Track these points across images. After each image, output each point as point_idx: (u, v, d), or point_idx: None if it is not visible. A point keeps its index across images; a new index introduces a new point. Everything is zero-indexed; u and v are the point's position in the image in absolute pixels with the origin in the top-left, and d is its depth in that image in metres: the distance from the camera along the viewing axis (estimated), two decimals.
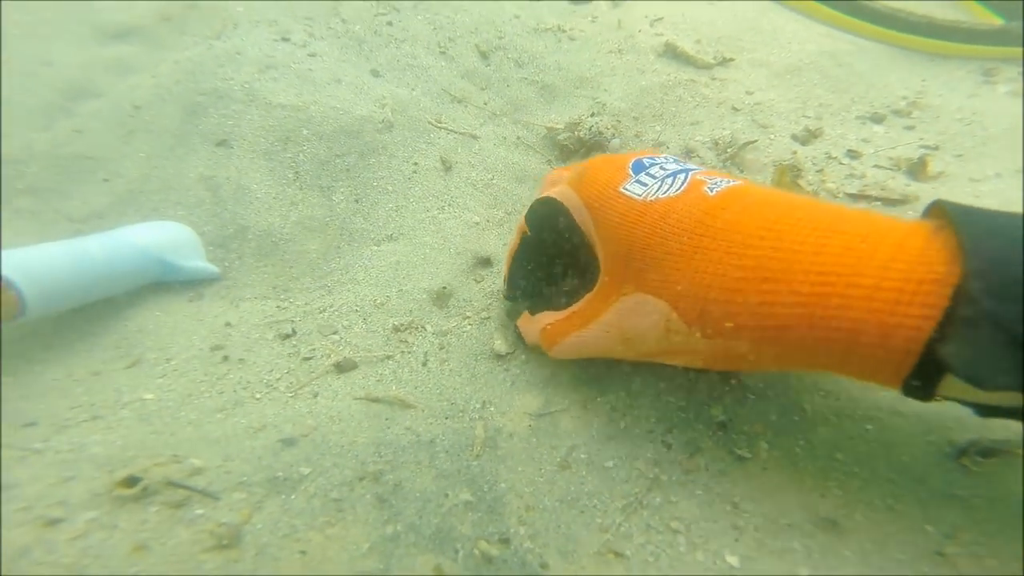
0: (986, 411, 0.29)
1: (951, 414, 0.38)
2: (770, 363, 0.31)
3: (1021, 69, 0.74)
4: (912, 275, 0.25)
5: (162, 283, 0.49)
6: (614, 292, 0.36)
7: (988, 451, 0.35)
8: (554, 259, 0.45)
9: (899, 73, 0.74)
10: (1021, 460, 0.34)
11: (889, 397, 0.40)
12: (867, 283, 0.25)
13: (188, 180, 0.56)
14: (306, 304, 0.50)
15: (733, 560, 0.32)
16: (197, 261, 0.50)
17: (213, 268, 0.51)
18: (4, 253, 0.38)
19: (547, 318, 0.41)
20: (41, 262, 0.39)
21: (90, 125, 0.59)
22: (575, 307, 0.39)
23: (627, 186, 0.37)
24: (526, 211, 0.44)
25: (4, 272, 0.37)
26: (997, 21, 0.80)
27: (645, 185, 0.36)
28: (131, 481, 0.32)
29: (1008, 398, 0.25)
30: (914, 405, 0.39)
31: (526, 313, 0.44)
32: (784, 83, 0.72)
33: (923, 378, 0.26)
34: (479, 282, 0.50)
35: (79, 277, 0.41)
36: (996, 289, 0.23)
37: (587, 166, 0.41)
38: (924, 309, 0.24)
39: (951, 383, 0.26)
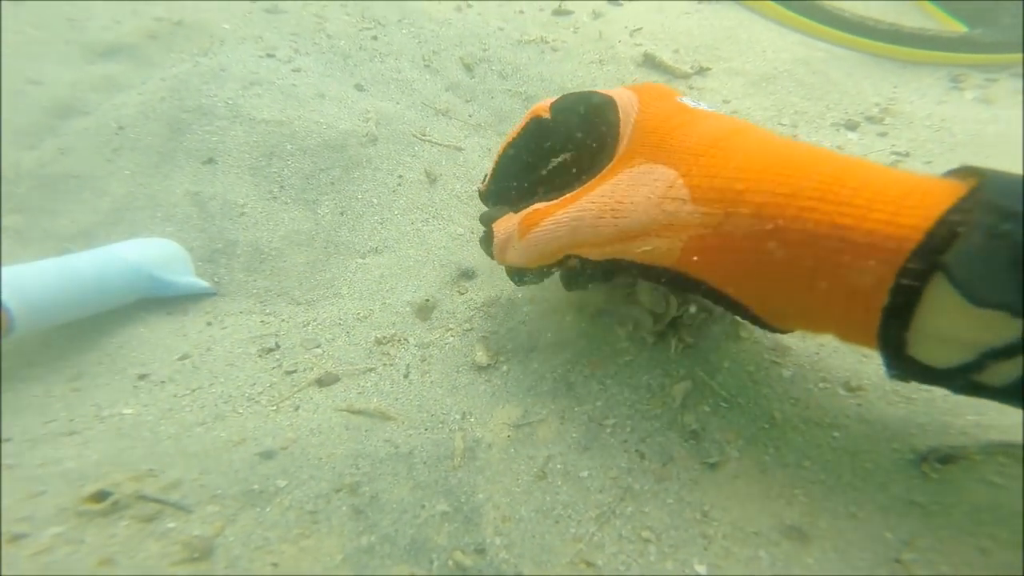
0: (959, 385, 0.28)
1: (915, 421, 0.39)
2: (752, 269, 0.30)
3: (988, 76, 0.76)
4: (913, 191, 0.26)
5: (150, 299, 0.49)
6: (621, 166, 0.36)
7: (947, 457, 0.35)
8: (561, 154, 0.41)
9: (871, 80, 0.76)
10: (976, 466, 0.35)
11: (856, 405, 0.40)
12: (878, 192, 0.27)
13: (175, 196, 0.57)
14: (290, 318, 0.50)
15: (701, 569, 0.32)
16: (187, 277, 0.50)
17: (204, 283, 0.51)
18: None
19: (537, 207, 0.39)
20: (30, 279, 0.40)
21: (77, 144, 0.60)
22: (571, 194, 0.38)
23: (681, 98, 0.39)
24: (554, 99, 0.42)
25: None
26: (961, 29, 0.82)
27: (696, 102, 0.38)
28: (100, 496, 0.32)
29: (981, 337, 0.25)
30: (880, 412, 0.40)
31: (509, 213, 0.41)
32: (760, 91, 0.74)
33: (903, 304, 0.26)
34: (462, 294, 0.51)
35: (68, 294, 0.42)
36: (1004, 208, 0.24)
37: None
38: (917, 219, 0.25)
39: (928, 324, 0.26)
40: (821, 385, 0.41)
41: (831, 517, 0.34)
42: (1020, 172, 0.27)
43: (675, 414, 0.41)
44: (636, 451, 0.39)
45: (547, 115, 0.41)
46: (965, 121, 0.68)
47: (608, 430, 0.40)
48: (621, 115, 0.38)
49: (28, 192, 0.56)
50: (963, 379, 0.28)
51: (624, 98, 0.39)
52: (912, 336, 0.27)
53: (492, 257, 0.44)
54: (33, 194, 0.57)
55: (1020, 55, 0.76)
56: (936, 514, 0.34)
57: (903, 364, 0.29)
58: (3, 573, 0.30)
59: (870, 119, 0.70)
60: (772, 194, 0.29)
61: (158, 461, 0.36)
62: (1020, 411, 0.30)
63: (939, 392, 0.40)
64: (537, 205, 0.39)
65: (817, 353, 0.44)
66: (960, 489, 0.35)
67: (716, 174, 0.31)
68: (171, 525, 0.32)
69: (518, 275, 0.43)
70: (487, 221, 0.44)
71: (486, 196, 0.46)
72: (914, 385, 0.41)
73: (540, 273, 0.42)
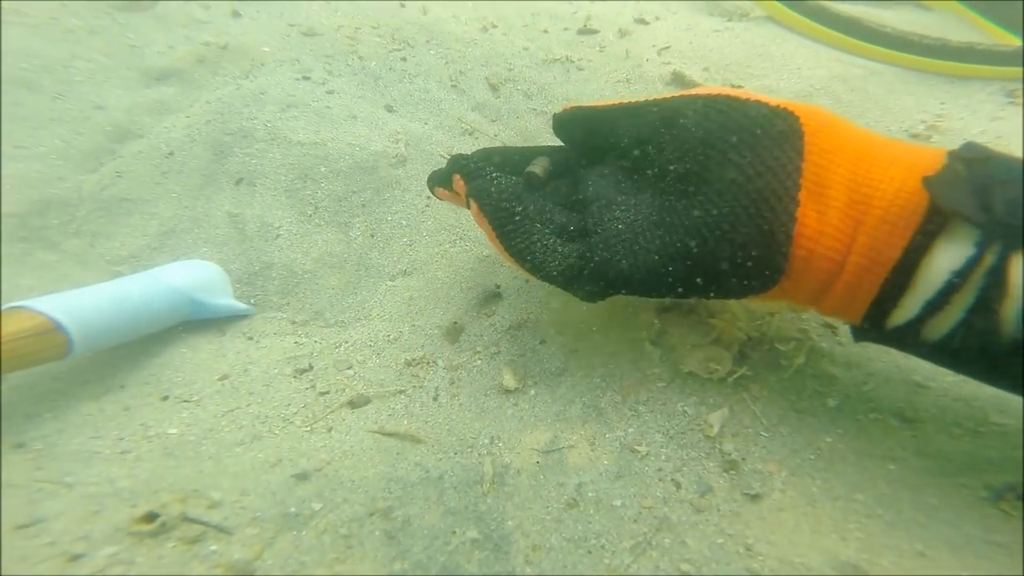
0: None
1: (983, 455, 0.36)
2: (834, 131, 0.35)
3: None
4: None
5: (192, 320, 0.51)
6: None
7: None
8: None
9: (915, 96, 0.73)
10: None
11: (912, 437, 0.38)
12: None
13: (216, 218, 0.59)
14: (323, 339, 0.52)
15: None
16: (227, 299, 0.52)
17: (242, 305, 0.53)
18: (54, 296, 0.42)
19: None
20: (87, 305, 0.43)
21: (131, 167, 0.63)
22: None
23: None
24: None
25: (55, 315, 0.40)
26: (1016, 42, 0.78)
27: None
28: (150, 517, 0.33)
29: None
30: (940, 445, 0.37)
31: None
32: None
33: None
34: (489, 317, 0.51)
35: (119, 318, 0.44)
36: (971, 159, 0.31)
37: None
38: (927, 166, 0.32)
39: None
40: (872, 416, 0.39)
41: (895, 555, 0.32)
42: None
43: (713, 443, 0.39)
44: (672, 480, 0.38)
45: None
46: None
47: (641, 458, 0.39)
48: None
49: (87, 215, 0.60)
50: (912, 331, 0.32)
51: None
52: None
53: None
54: (91, 217, 0.60)
55: None
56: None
57: (874, 328, 0.34)
58: (3, 573, 0.31)
59: (915, 136, 0.67)
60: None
61: (201, 481, 0.38)
62: None
63: (1012, 426, 0.37)
64: None
65: (865, 383, 0.42)
66: None
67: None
68: (214, 548, 0.33)
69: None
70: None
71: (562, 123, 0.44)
72: (980, 418, 0.38)
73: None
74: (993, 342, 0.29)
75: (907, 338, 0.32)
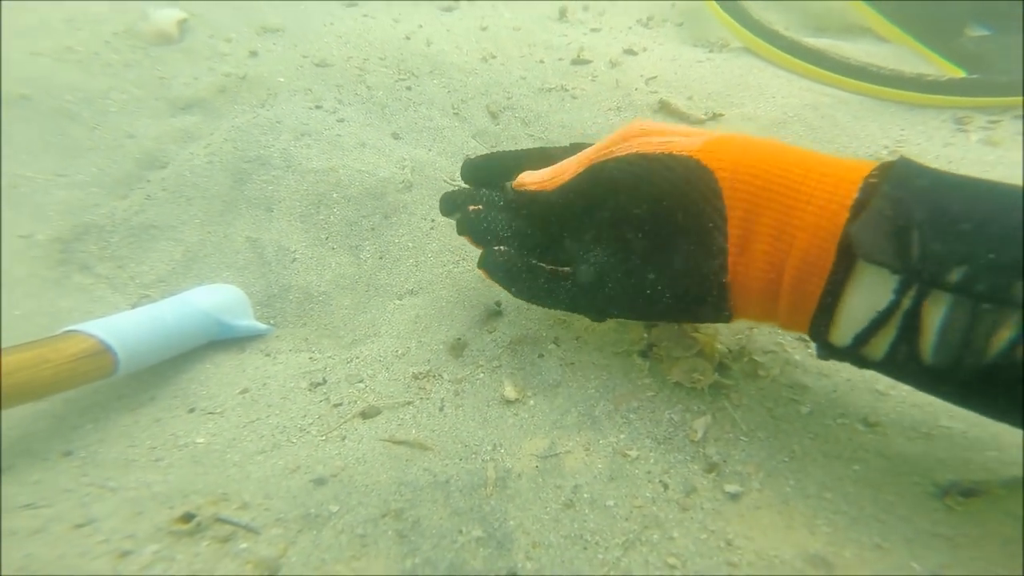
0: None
1: (935, 456, 0.40)
2: (752, 161, 0.38)
3: (991, 118, 0.78)
4: (849, 167, 0.35)
5: (217, 340, 0.55)
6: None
7: (969, 491, 0.36)
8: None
9: (878, 123, 0.78)
10: (1000, 500, 0.36)
11: (875, 440, 0.42)
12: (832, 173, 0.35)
13: (237, 243, 0.64)
14: (335, 355, 0.55)
15: None
16: (248, 320, 0.56)
17: (262, 325, 0.57)
18: (102, 321, 0.46)
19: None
20: (130, 328, 0.47)
21: (158, 193, 0.68)
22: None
23: None
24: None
25: (105, 338, 0.44)
26: (960, 73, 0.85)
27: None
28: (187, 517, 0.37)
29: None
30: (899, 447, 0.41)
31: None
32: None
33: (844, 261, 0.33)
34: (491, 332, 0.55)
35: (157, 340, 0.48)
36: (896, 193, 0.32)
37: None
38: (849, 181, 0.34)
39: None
40: (839, 421, 0.43)
41: (856, 547, 0.36)
42: None
43: (697, 447, 0.43)
44: (660, 482, 0.41)
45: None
46: (972, 163, 0.70)
47: (632, 461, 0.42)
48: None
49: (120, 241, 0.64)
50: (854, 353, 0.34)
51: None
52: (839, 307, 0.34)
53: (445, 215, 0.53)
54: (123, 243, 0.64)
55: (1022, 98, 0.77)
56: (965, 546, 0.35)
57: (821, 345, 0.36)
58: (3, 573, 0.34)
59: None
60: (767, 148, 0.38)
61: (228, 486, 0.41)
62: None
63: (958, 428, 0.41)
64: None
65: (834, 391, 0.45)
66: (987, 522, 0.36)
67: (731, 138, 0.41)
68: (244, 545, 0.36)
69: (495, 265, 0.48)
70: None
71: (470, 168, 0.55)
72: (932, 422, 0.42)
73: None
74: (917, 368, 0.32)
75: (854, 359, 0.35)
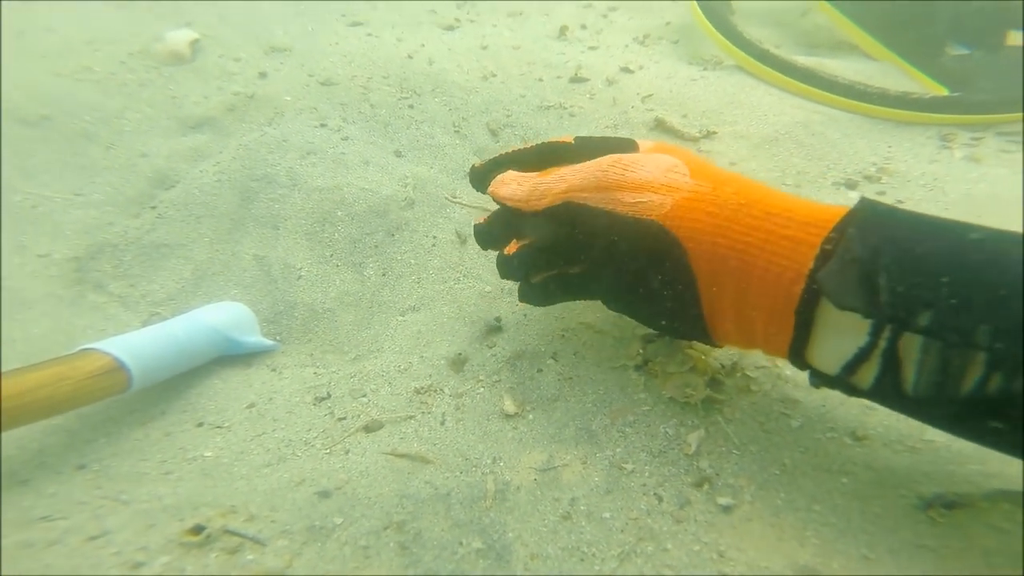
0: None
1: (920, 469, 0.41)
2: (718, 233, 0.39)
3: (974, 135, 0.80)
4: (810, 221, 0.36)
5: (224, 356, 0.57)
6: (636, 151, 0.47)
7: (952, 504, 0.38)
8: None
9: (867, 140, 0.80)
10: (982, 512, 0.37)
11: (863, 453, 0.43)
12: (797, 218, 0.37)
13: (244, 261, 0.65)
14: (339, 370, 0.57)
15: None
16: (255, 336, 0.58)
17: (269, 342, 0.59)
18: (117, 339, 0.48)
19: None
20: (143, 345, 0.48)
21: (169, 212, 0.70)
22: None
23: None
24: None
25: (119, 355, 0.46)
26: (943, 91, 0.87)
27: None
28: (197, 529, 0.38)
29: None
30: (886, 460, 0.42)
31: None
32: (764, 153, 0.78)
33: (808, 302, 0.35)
34: (491, 348, 0.56)
35: (169, 356, 0.50)
36: (859, 237, 0.33)
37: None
38: (807, 244, 0.35)
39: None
40: (828, 434, 0.44)
41: (844, 559, 0.37)
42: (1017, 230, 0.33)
43: (691, 460, 0.44)
44: (655, 494, 0.42)
45: (570, 140, 0.50)
46: (956, 180, 0.71)
47: (628, 474, 0.44)
48: (640, 145, 0.47)
49: (132, 259, 0.66)
50: (843, 383, 0.36)
51: (643, 141, 0.49)
52: (811, 349, 0.36)
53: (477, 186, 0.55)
54: (135, 261, 0.66)
55: (1005, 115, 0.80)
56: (948, 558, 0.36)
57: (812, 373, 0.38)
58: (3, 573, 0.36)
59: (868, 178, 0.73)
60: (745, 188, 0.40)
61: (236, 498, 0.42)
62: (1021, 460, 0.33)
63: (942, 441, 0.42)
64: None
65: (823, 405, 0.47)
66: (969, 534, 0.37)
67: (708, 171, 0.43)
68: (251, 557, 0.38)
69: (529, 291, 0.51)
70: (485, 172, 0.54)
71: (478, 174, 0.55)
72: (916, 435, 0.43)
73: (542, 292, 0.51)
74: (903, 400, 0.34)
75: (843, 387, 0.37)
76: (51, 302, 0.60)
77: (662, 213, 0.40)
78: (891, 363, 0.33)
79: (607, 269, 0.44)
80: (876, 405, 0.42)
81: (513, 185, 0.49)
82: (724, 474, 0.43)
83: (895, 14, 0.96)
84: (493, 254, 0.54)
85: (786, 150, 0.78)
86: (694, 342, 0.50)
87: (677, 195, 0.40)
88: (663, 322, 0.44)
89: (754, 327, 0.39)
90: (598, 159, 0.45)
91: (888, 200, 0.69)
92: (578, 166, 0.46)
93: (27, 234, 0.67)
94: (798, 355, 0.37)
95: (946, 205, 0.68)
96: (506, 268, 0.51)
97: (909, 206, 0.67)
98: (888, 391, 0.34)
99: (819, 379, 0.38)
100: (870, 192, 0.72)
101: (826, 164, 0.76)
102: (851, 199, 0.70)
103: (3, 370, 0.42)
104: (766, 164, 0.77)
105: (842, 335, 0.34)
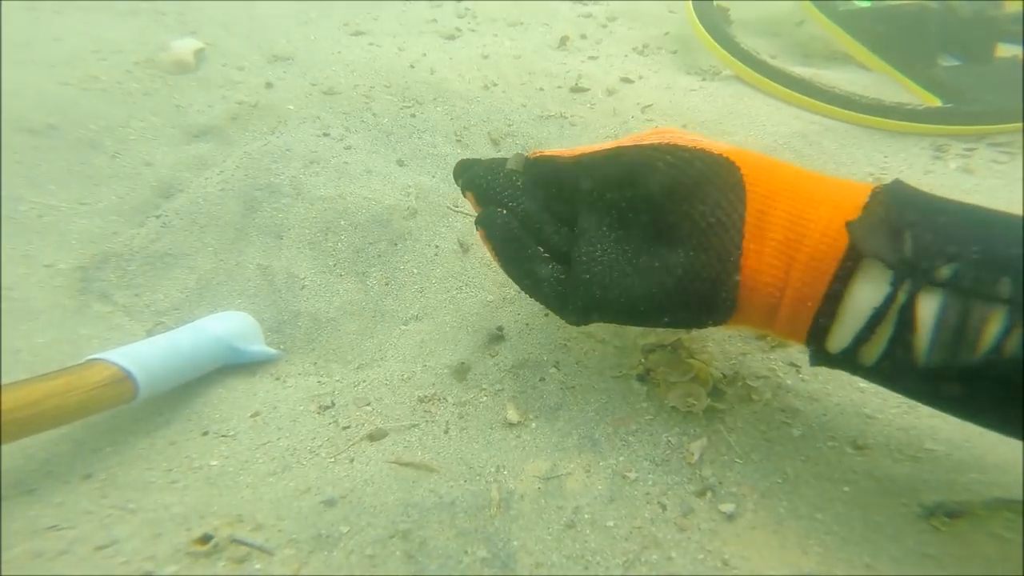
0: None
1: (920, 477, 0.42)
2: (769, 170, 0.41)
3: (967, 146, 0.81)
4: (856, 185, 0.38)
5: (228, 365, 0.57)
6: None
7: (954, 512, 0.38)
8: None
9: (864, 150, 0.81)
10: (983, 520, 0.37)
11: (864, 462, 0.43)
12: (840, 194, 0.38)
13: (248, 271, 0.66)
14: (343, 379, 0.57)
15: None
16: (259, 346, 0.58)
17: (273, 351, 0.59)
18: (123, 349, 0.48)
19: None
20: (149, 355, 0.49)
21: (173, 221, 0.70)
22: None
23: None
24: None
25: (126, 365, 0.46)
26: (936, 102, 0.88)
27: None
28: (205, 539, 0.38)
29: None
30: (887, 469, 0.42)
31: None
32: None
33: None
34: (493, 357, 0.57)
35: (174, 366, 0.51)
36: (892, 201, 0.35)
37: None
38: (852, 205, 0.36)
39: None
40: (830, 444, 0.45)
41: (847, 567, 0.37)
42: None
43: (693, 469, 0.44)
44: (658, 503, 0.43)
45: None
46: (952, 191, 0.72)
47: (631, 483, 0.44)
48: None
49: (136, 269, 0.66)
50: (849, 358, 0.36)
51: None
52: (842, 306, 0.35)
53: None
54: (140, 271, 0.66)
55: (997, 126, 0.81)
56: (951, 566, 0.36)
57: (814, 352, 0.38)
58: (3, 573, 0.36)
59: None
60: (787, 165, 0.41)
61: (242, 507, 0.43)
62: (1020, 470, 0.34)
63: (943, 450, 0.43)
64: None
65: (824, 415, 0.47)
66: (971, 543, 0.37)
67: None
68: (258, 566, 0.38)
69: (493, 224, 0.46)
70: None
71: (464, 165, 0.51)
72: (917, 444, 0.44)
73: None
74: (912, 370, 0.33)
75: (847, 364, 0.37)
76: (56, 312, 0.60)
77: (721, 149, 0.41)
78: (906, 321, 0.33)
79: (641, 213, 0.41)
80: (877, 413, 0.43)
81: (558, 150, 0.48)
82: (727, 483, 0.43)
83: (889, 26, 0.97)
84: (498, 270, 0.50)
85: (785, 160, 0.79)
86: (696, 352, 0.50)
87: (734, 147, 0.42)
88: (684, 284, 0.39)
89: (791, 272, 0.37)
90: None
91: None
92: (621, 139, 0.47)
93: (33, 244, 0.67)
94: (827, 315, 0.35)
95: None
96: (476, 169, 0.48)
97: None
98: (898, 359, 0.33)
99: (822, 357, 0.37)
100: None
101: (823, 173, 0.77)
102: None
103: (11, 381, 0.42)
104: None
105: (864, 296, 0.34)
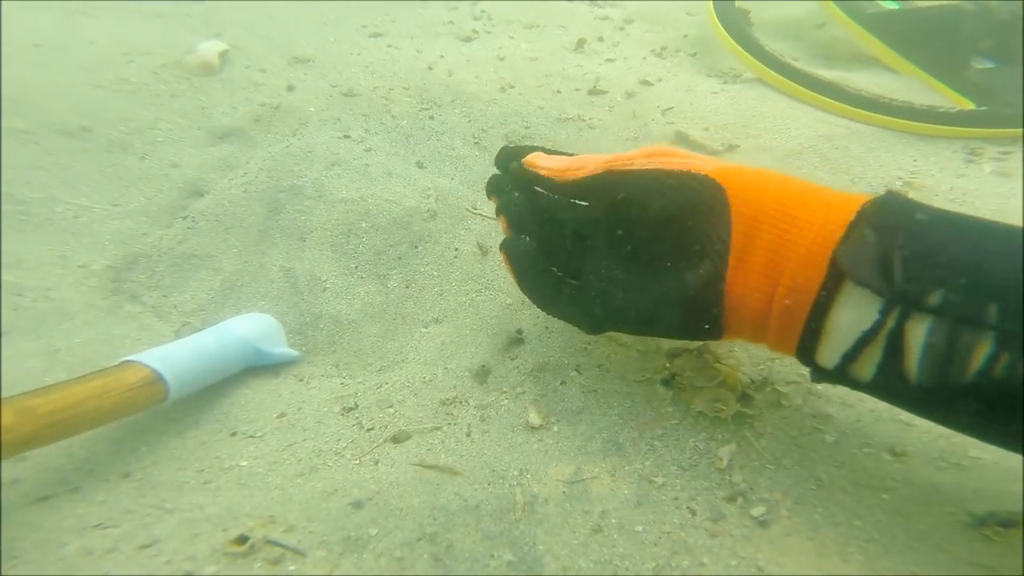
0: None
1: (967, 486, 0.40)
2: (761, 188, 0.40)
3: (1002, 149, 0.79)
4: (846, 199, 0.38)
5: (253, 367, 0.58)
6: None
7: (1008, 522, 0.37)
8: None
9: (892, 153, 0.79)
10: None
11: (903, 469, 0.42)
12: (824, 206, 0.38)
13: (271, 273, 0.67)
14: (365, 381, 0.57)
15: None
16: (282, 348, 0.59)
17: (295, 352, 0.60)
18: (155, 351, 0.49)
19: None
20: (178, 356, 0.49)
21: (200, 223, 0.71)
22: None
23: None
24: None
25: (157, 367, 0.47)
26: (969, 105, 0.86)
27: None
28: (241, 539, 0.39)
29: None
30: (928, 476, 0.41)
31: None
32: (788, 166, 0.78)
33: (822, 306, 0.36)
34: (513, 360, 0.56)
35: (202, 367, 0.51)
36: (881, 218, 0.35)
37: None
38: (845, 210, 0.36)
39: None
40: (865, 450, 0.44)
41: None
42: None
43: (723, 474, 0.44)
44: (687, 508, 0.42)
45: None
46: (987, 195, 0.70)
47: (658, 488, 0.43)
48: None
49: (164, 270, 0.67)
50: (844, 374, 0.36)
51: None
52: (826, 325, 0.36)
53: (493, 192, 0.54)
54: (168, 272, 0.67)
55: None
56: None
57: (813, 368, 0.38)
58: (3, 573, 0.36)
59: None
60: (774, 178, 0.41)
61: (273, 508, 0.43)
62: (1021, 455, 0.33)
63: (990, 459, 0.42)
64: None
65: (858, 420, 0.46)
66: None
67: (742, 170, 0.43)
68: (292, 568, 0.38)
69: (517, 250, 0.50)
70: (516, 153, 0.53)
71: (507, 153, 0.54)
72: (960, 452, 0.42)
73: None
74: (905, 388, 0.33)
75: (844, 380, 0.37)
76: (91, 312, 0.62)
77: (710, 170, 0.41)
78: (895, 346, 0.33)
79: (635, 234, 0.43)
80: (915, 420, 0.42)
81: (551, 160, 0.50)
82: (758, 488, 0.42)
83: (920, 28, 0.95)
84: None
85: (810, 163, 0.78)
86: (722, 357, 0.50)
87: (721, 164, 0.42)
88: (676, 302, 0.41)
89: (775, 294, 0.38)
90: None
91: None
92: (616, 155, 0.47)
93: (69, 245, 0.68)
94: (813, 335, 0.36)
95: None
96: (508, 203, 0.51)
97: None
98: (891, 379, 0.34)
99: (820, 374, 0.38)
100: None
101: (851, 178, 0.75)
102: None
103: (51, 384, 0.43)
104: None
105: (854, 317, 0.34)
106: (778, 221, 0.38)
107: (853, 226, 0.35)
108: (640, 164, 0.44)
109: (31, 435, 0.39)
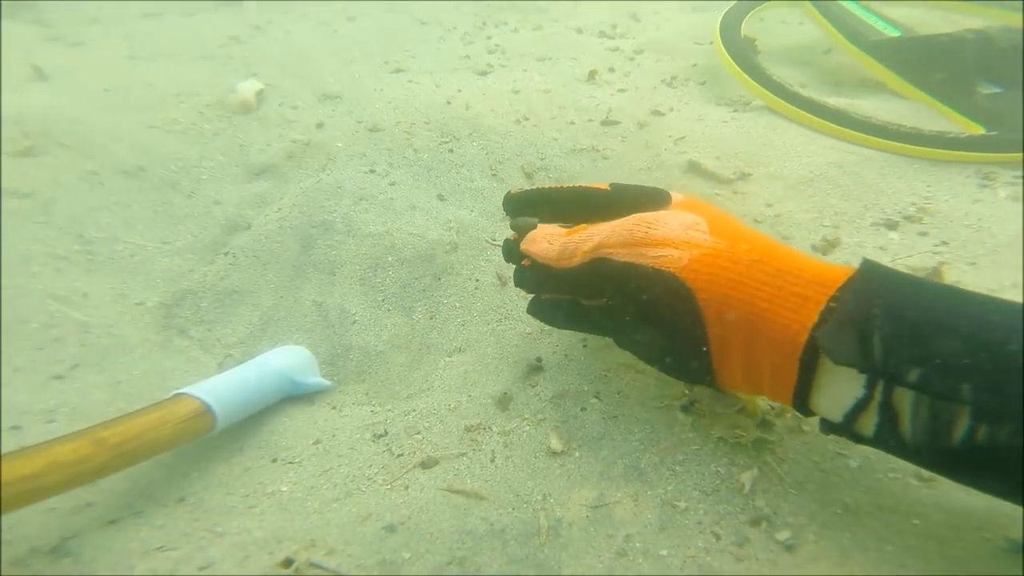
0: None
1: (1001, 511, 0.40)
2: (732, 286, 0.42)
3: (1015, 173, 0.78)
4: (818, 281, 0.39)
5: (289, 396, 0.61)
6: (661, 210, 0.51)
7: None
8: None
9: (905, 180, 0.79)
10: None
11: (932, 494, 0.42)
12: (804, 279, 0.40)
13: (305, 307, 0.71)
14: (393, 408, 0.60)
15: None
16: (315, 378, 0.63)
17: (328, 382, 0.64)
18: (203, 384, 0.53)
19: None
20: (224, 389, 0.54)
21: (239, 259, 0.76)
22: None
23: None
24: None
25: (207, 399, 0.51)
26: (979, 130, 0.86)
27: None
28: (287, 562, 0.41)
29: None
30: (959, 501, 0.41)
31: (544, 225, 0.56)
32: (800, 194, 0.79)
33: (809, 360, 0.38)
34: (533, 387, 0.58)
35: (244, 399, 0.55)
36: (857, 299, 0.37)
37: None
38: (813, 302, 0.38)
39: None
40: (891, 475, 0.44)
41: None
42: None
43: (745, 499, 0.44)
44: (712, 532, 0.42)
45: (605, 188, 0.56)
46: (1004, 220, 0.70)
47: (681, 512, 0.44)
48: (672, 197, 0.52)
49: (208, 305, 0.72)
50: (848, 430, 0.38)
51: (675, 194, 0.53)
52: (815, 397, 0.39)
53: (509, 259, 0.60)
54: (211, 308, 0.72)
55: None
56: None
57: (822, 420, 0.40)
58: (3, 572, 0.39)
59: (908, 218, 0.73)
60: (760, 246, 0.43)
61: (314, 532, 0.45)
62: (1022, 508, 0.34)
63: None
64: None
65: None
66: None
67: (728, 228, 0.46)
68: None
69: (541, 310, 0.57)
70: (520, 227, 0.58)
71: (513, 201, 0.61)
72: None
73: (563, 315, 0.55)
74: (906, 448, 0.36)
75: (849, 435, 0.38)
76: (147, 347, 0.67)
77: (680, 266, 0.44)
78: (888, 413, 0.35)
79: (624, 312, 0.48)
80: None
81: (544, 244, 0.54)
82: (782, 513, 0.43)
83: (924, 55, 0.96)
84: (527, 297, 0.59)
85: (822, 190, 0.79)
86: None
87: (696, 251, 0.44)
88: (669, 361, 0.47)
89: (760, 375, 0.41)
90: (624, 219, 0.49)
91: (932, 242, 0.69)
92: (606, 225, 0.50)
93: (127, 283, 0.74)
94: (802, 402, 0.40)
95: (994, 247, 0.67)
96: (521, 279, 0.58)
97: (955, 247, 0.67)
98: (889, 439, 0.36)
99: (827, 426, 0.40)
100: (911, 233, 0.71)
101: (863, 204, 0.75)
102: (892, 240, 0.71)
103: (114, 418, 0.47)
104: (803, 205, 0.77)
105: (842, 385, 0.37)
106: (748, 320, 0.40)
107: (829, 307, 0.37)
108: (621, 256, 0.47)
109: (104, 464, 0.43)
